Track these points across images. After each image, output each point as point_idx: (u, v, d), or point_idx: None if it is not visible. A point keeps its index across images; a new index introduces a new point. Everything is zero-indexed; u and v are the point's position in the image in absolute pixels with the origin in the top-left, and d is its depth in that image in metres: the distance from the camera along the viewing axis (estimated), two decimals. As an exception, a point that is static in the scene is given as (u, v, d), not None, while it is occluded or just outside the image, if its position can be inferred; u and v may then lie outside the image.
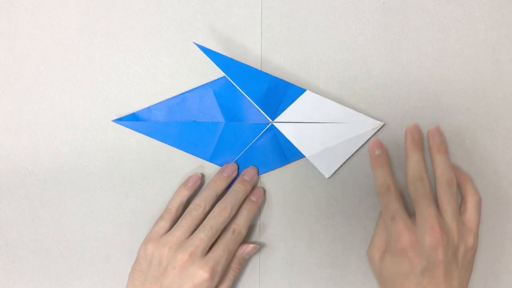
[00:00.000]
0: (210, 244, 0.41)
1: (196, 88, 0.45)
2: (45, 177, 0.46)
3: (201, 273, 0.39)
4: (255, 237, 0.47)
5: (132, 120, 0.45)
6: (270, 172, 0.46)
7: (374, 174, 0.44)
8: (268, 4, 0.45)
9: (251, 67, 0.44)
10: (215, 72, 0.45)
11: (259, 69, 0.45)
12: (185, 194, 0.44)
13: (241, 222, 0.43)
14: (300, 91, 0.44)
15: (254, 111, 0.45)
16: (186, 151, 0.46)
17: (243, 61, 0.45)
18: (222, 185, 0.44)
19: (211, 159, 0.46)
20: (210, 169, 0.46)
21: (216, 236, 0.41)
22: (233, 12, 0.45)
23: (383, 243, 0.42)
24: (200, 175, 0.45)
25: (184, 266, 0.40)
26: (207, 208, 0.42)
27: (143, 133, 0.46)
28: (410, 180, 0.42)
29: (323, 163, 0.46)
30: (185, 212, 0.43)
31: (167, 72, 0.45)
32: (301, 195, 0.47)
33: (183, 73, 0.45)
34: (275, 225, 0.47)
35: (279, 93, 0.44)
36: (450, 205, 0.40)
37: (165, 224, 0.42)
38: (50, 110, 0.46)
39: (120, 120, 0.45)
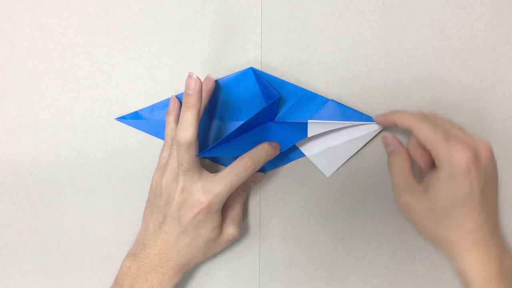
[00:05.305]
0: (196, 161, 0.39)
1: None
2: (45, 177, 0.46)
3: (199, 202, 0.38)
4: (256, 237, 0.47)
5: (135, 119, 0.45)
6: (270, 171, 0.46)
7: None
8: (268, 4, 0.45)
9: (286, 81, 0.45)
10: (215, 72, 0.45)
11: (259, 69, 0.45)
12: (171, 120, 0.43)
13: (256, 158, 0.40)
14: (304, 92, 0.44)
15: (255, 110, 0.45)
16: None
17: (243, 61, 0.45)
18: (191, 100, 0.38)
19: (212, 158, 0.46)
20: (211, 167, 0.46)
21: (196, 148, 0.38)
22: (233, 12, 0.45)
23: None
24: (175, 96, 0.44)
25: (181, 197, 0.39)
26: None
27: (145, 132, 0.45)
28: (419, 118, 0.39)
29: (324, 162, 0.46)
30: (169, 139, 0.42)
31: (167, 72, 0.45)
32: (301, 195, 0.47)
33: (183, 73, 0.45)
34: (275, 225, 0.47)
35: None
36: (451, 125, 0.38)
37: (166, 153, 0.43)
38: (50, 110, 0.46)
39: (122, 119, 0.45)
